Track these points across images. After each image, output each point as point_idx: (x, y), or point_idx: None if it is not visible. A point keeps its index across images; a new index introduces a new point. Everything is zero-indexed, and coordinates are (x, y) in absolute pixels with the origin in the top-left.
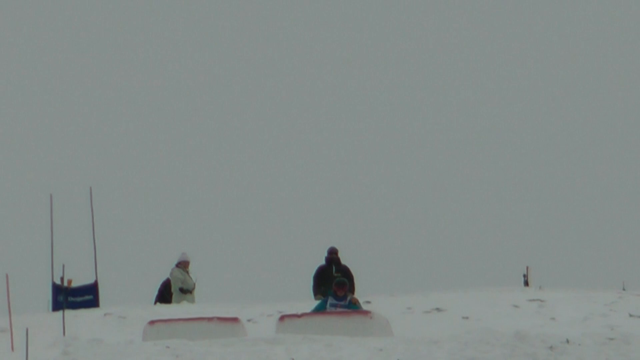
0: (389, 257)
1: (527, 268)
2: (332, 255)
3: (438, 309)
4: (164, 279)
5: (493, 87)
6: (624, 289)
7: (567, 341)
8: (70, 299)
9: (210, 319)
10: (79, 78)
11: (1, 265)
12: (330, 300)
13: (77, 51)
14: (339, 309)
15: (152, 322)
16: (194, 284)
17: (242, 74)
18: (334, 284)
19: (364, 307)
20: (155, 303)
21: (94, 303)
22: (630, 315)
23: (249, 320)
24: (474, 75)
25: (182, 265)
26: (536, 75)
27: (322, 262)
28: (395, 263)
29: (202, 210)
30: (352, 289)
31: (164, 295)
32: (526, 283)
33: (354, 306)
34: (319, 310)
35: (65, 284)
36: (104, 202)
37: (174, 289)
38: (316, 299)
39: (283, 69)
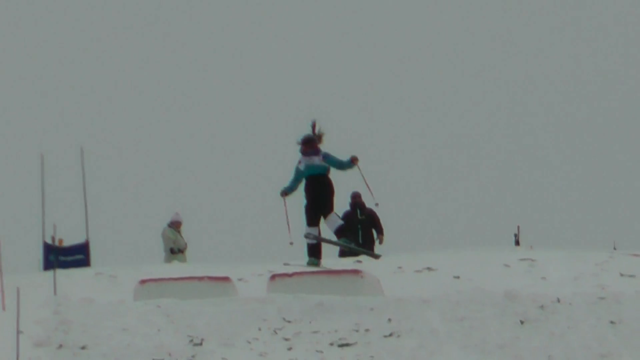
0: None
1: (518, 227)
2: (356, 200)
3: (429, 269)
4: (158, 237)
5: (487, 43)
6: (615, 249)
7: (558, 300)
8: (61, 258)
9: (201, 278)
10: (71, 36)
11: None
12: (304, 161)
13: (69, 10)
14: (309, 157)
15: (143, 282)
16: (186, 244)
17: (230, 36)
18: (300, 142)
19: (354, 266)
20: None
21: (85, 262)
22: (621, 275)
23: (239, 280)
24: (466, 30)
25: (174, 225)
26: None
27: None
28: (385, 223)
29: (195, 169)
30: (380, 230)
31: None
32: (517, 243)
33: (330, 159)
34: (298, 176)
35: (57, 243)
36: (95, 162)
37: (165, 248)
38: None
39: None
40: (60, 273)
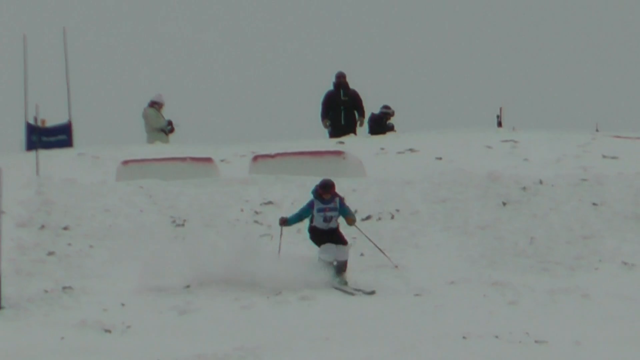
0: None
1: (501, 109)
2: (340, 80)
3: (411, 150)
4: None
5: None
6: (597, 130)
7: (540, 182)
8: (44, 138)
9: (183, 159)
10: None
11: None
12: (317, 205)
13: None
14: (327, 213)
15: (125, 162)
16: (168, 124)
17: None
18: (318, 187)
19: (337, 147)
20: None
21: (67, 143)
22: (603, 157)
23: (222, 161)
24: None
25: (157, 106)
26: None
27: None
28: (368, 104)
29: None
30: (362, 112)
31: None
32: (499, 124)
33: (343, 208)
34: (305, 214)
35: (39, 124)
36: (78, 42)
37: (148, 128)
38: (323, 124)
39: None
40: (43, 153)
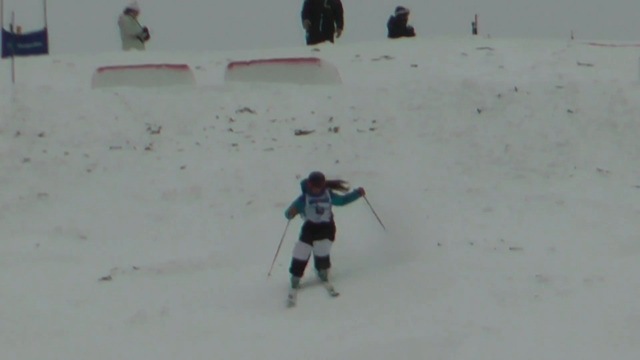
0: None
1: (476, 16)
2: None
3: (386, 57)
4: (116, 25)
5: None
6: (572, 38)
7: (516, 89)
8: (19, 45)
9: (159, 66)
10: None
11: None
12: (308, 198)
13: None
14: (319, 204)
15: (100, 69)
16: (144, 31)
17: None
18: (308, 180)
19: (313, 54)
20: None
21: (43, 50)
22: (579, 64)
23: (197, 68)
24: None
25: (132, 13)
26: None
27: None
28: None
29: None
30: (340, 24)
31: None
32: (475, 31)
33: (336, 199)
34: (297, 206)
35: (15, 31)
36: None
37: (123, 35)
38: (304, 24)
39: None
40: (18, 60)
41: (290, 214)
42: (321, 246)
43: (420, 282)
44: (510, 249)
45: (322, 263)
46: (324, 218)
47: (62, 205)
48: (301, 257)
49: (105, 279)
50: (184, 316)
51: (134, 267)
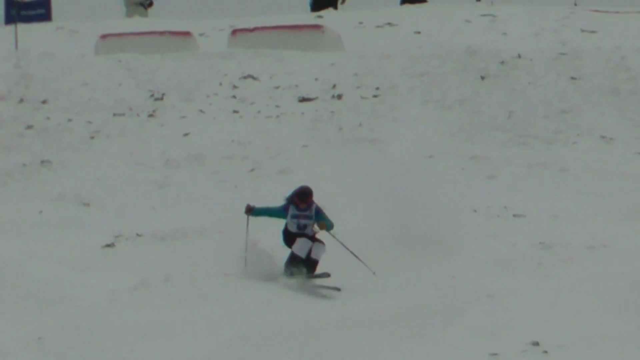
0: None
1: None
2: None
3: (389, 24)
4: None
5: None
6: (575, 4)
7: (519, 56)
8: (23, 12)
9: (162, 33)
10: None
11: None
12: (292, 211)
13: None
14: (301, 221)
15: (103, 36)
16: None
17: None
18: (295, 195)
19: (316, 21)
20: None
21: (46, 17)
22: (582, 31)
23: (201, 35)
24: None
25: None
26: None
27: None
28: None
29: None
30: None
31: None
32: None
33: (319, 216)
34: (275, 215)
35: None
36: None
37: (127, 2)
38: None
39: None
40: (22, 27)
41: (249, 211)
42: (318, 247)
43: (423, 250)
44: (514, 215)
45: (312, 267)
46: (307, 232)
47: (65, 172)
48: (300, 253)
49: (108, 245)
50: (187, 283)
51: (137, 234)
